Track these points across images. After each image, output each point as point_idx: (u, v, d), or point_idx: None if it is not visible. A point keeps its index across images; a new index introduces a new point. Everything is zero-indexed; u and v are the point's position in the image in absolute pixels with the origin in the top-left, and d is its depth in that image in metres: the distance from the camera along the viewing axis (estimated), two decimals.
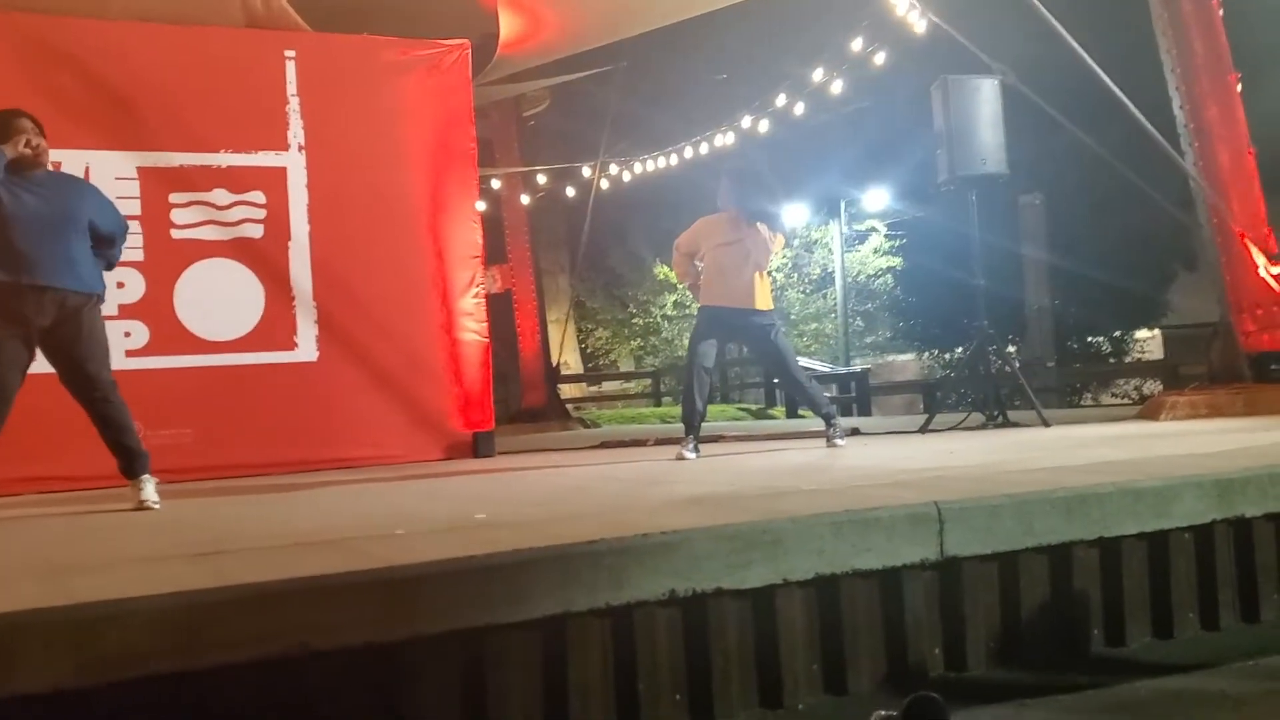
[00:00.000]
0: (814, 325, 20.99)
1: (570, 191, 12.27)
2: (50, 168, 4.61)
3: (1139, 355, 20.60)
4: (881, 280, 21.38)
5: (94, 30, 6.41)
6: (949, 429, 7.18)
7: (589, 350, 22.41)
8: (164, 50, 6.54)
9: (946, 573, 2.98)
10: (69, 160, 6.21)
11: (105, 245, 4.61)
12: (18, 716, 2.04)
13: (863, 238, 21.33)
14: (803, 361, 14.14)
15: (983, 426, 7.19)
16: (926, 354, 21.89)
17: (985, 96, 7.24)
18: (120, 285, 6.29)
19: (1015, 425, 7.08)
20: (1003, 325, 14.37)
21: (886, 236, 21.08)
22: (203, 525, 3.69)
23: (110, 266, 4.68)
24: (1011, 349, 17.69)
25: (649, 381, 19.42)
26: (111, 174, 6.34)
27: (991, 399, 7.45)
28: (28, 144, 4.31)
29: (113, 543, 3.35)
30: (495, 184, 11.30)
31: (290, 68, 6.79)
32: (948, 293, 17.08)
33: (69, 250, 4.38)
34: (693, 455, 5.57)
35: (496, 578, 2.42)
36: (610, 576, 2.52)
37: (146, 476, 4.51)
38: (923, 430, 7.21)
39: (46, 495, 5.61)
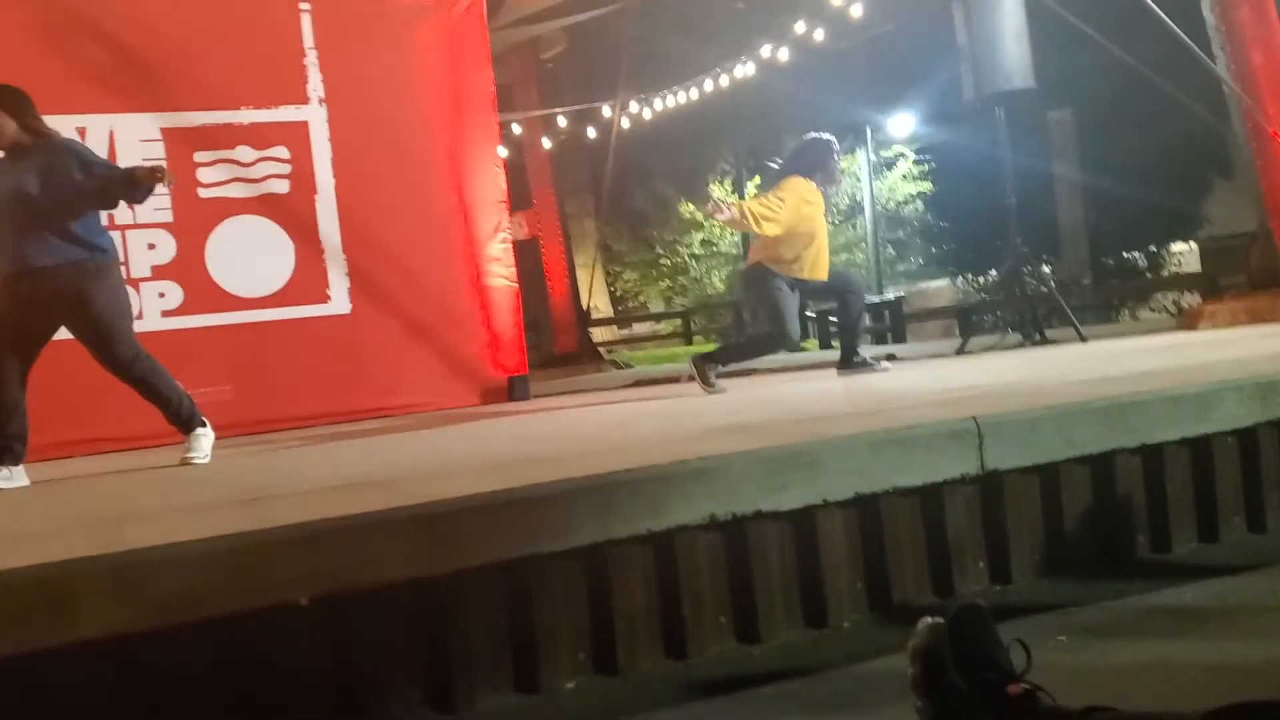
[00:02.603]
0: (844, 255, 20.79)
1: (591, 133, 12.17)
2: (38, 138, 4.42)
3: (1176, 269, 20.29)
4: (911, 207, 21.12)
5: None
6: (986, 350, 7.12)
7: (618, 293, 22.39)
8: (181, 9, 6.51)
9: (988, 486, 2.97)
10: (93, 125, 6.25)
11: (99, 195, 4.33)
12: (83, 660, 2.09)
13: (890, 164, 21.05)
14: None
15: (1020, 346, 7.14)
16: (960, 279, 21.66)
17: (1008, 9, 7.05)
18: (151, 246, 6.36)
19: (1053, 343, 7.02)
20: (1036, 245, 14.17)
21: (915, 162, 20.79)
22: (248, 475, 3.75)
23: (133, 197, 4.39)
24: (1046, 269, 17.49)
25: (679, 321, 19.39)
26: (136, 137, 6.36)
27: (1028, 319, 7.38)
28: None
29: (161, 495, 3.41)
30: (516, 129, 11.23)
31: (306, 20, 6.75)
32: (980, 216, 16.83)
33: (14, 231, 4.20)
34: (722, 386, 5.57)
35: (537, 509, 2.44)
36: (649, 503, 2.53)
37: (200, 432, 4.56)
38: (959, 352, 7.16)
39: (97, 456, 5.71)
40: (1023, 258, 7.23)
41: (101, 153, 6.20)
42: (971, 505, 2.96)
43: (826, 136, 5.94)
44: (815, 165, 5.83)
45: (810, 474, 2.73)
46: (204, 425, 4.60)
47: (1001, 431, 2.97)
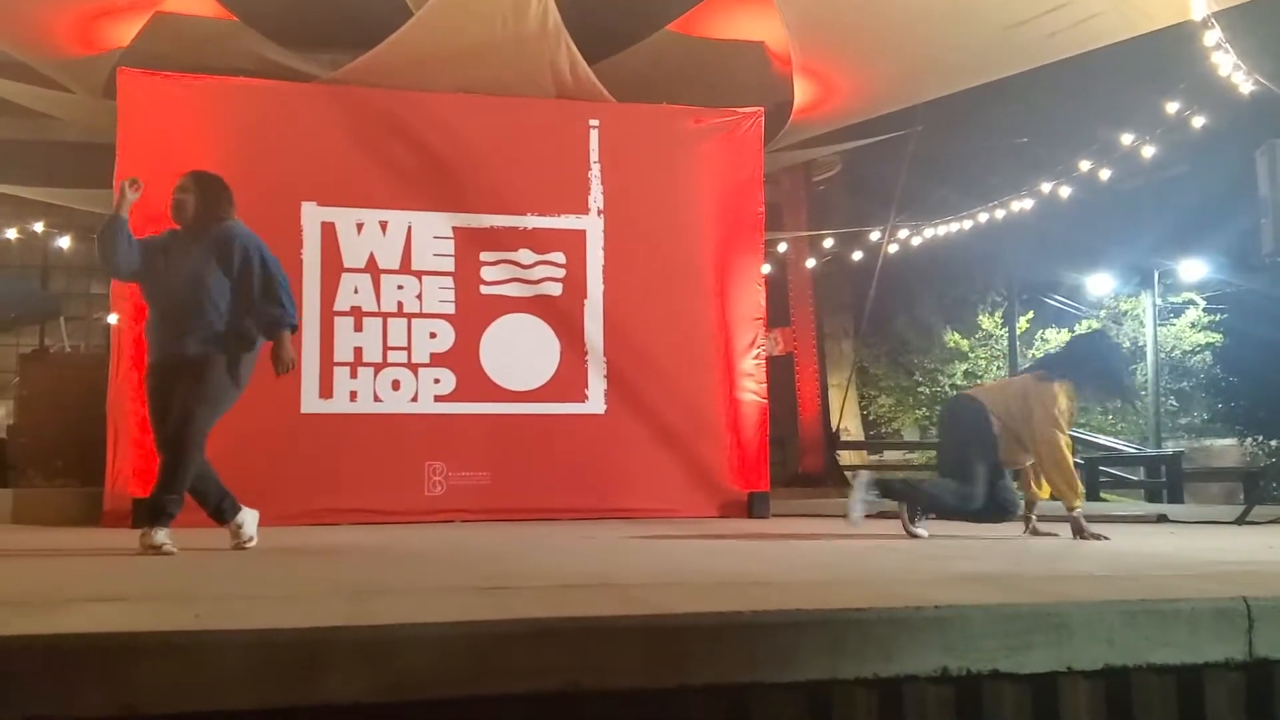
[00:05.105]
0: (1120, 402, 19.61)
1: (857, 255, 12.12)
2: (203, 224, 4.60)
3: None
4: (1199, 357, 19.75)
5: (422, 102, 7.04)
6: (1272, 521, 6.51)
7: (871, 417, 21.94)
8: (482, 119, 7.08)
9: (1256, 676, 2.70)
10: (394, 220, 6.86)
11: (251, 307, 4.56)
12: None
13: (1178, 311, 19.84)
14: (1105, 441, 13.23)
15: None
16: (1249, 439, 19.92)
17: None
18: (433, 335, 6.85)
19: None
20: None
21: (1205, 310, 19.50)
22: (492, 562, 3.92)
23: (266, 334, 4.61)
24: None
25: (933, 453, 18.77)
26: (430, 233, 6.92)
27: None
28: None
29: (411, 572, 3.62)
30: (782, 247, 11.36)
31: (594, 136, 7.18)
32: (1276, 373, 15.54)
33: (179, 318, 4.50)
34: (923, 532, 5.31)
35: (763, 636, 2.42)
36: (879, 647, 2.46)
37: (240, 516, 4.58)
38: (1239, 521, 6.57)
39: (365, 526, 6.09)
40: None
41: (398, 244, 6.82)
42: (1235, 695, 2.69)
43: (1115, 343, 5.26)
44: (1104, 384, 5.40)
45: (1057, 637, 2.58)
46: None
47: (1275, 616, 2.71)
